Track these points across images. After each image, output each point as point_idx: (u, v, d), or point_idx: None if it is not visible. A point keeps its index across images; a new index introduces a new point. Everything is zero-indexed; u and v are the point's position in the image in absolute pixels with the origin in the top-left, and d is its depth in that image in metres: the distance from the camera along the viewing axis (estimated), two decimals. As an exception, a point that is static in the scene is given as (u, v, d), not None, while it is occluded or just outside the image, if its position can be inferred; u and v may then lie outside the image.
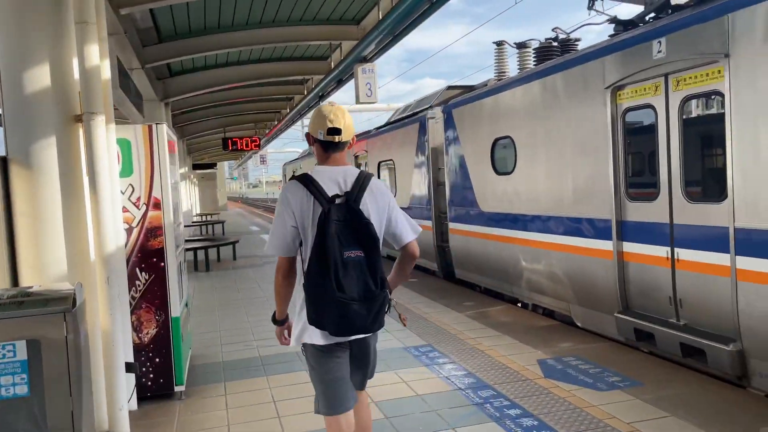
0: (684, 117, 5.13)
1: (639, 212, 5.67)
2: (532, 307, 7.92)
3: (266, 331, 7.09)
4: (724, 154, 4.62)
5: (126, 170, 4.77)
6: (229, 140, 22.50)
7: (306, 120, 26.97)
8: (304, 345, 2.92)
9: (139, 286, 4.84)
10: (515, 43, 9.18)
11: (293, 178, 3.00)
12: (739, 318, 4.56)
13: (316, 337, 2.83)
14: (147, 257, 4.85)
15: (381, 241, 2.89)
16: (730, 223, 4.59)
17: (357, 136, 16.45)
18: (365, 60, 9.88)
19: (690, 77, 5.00)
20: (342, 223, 2.72)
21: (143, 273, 4.85)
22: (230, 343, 6.85)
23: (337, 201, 2.80)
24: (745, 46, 4.36)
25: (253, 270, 12.97)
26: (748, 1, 4.34)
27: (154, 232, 4.86)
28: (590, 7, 7.04)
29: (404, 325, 3.31)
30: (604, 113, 5.92)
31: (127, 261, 4.65)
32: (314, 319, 2.76)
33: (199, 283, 11.41)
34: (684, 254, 5.15)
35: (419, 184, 11.37)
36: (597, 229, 6.16)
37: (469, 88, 10.33)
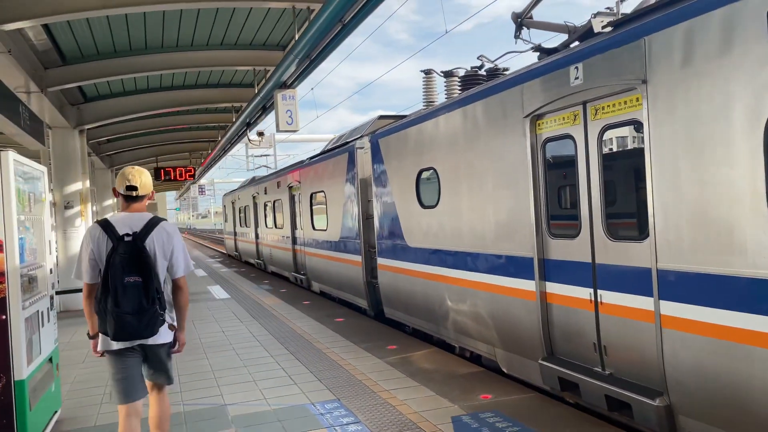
0: (603, 148, 4.75)
1: (561, 250, 5.23)
2: (460, 350, 7.38)
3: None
4: (645, 188, 4.23)
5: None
6: (161, 170, 21.59)
7: (241, 146, 26.23)
8: (104, 352, 3.74)
9: (-27, 344, 4.01)
10: (442, 72, 8.84)
11: (96, 221, 3.82)
12: (665, 369, 4.12)
13: (108, 344, 3.69)
14: (-16, 309, 4.04)
15: (164, 271, 3.80)
16: (652, 264, 4.17)
17: (292, 165, 16.00)
18: (285, 86, 9.35)
19: (608, 105, 4.63)
20: (127, 255, 3.58)
21: (-22, 328, 4.03)
22: (110, 402, 5.96)
23: (126, 239, 3.64)
24: (663, 72, 4.01)
25: None
26: (666, 23, 4.00)
27: (-6, 279, 4.06)
28: (517, 37, 6.74)
29: (176, 352, 4.00)
30: (523, 144, 5.51)
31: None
32: (102, 329, 3.63)
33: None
34: (607, 296, 4.71)
35: (349, 217, 10.82)
36: (519, 267, 5.70)
37: (400, 118, 9.92)
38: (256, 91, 10.85)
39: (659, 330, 4.13)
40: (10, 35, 7.77)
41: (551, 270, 5.36)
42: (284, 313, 10.77)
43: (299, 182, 14.18)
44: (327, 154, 12.35)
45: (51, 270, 5.30)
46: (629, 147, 4.66)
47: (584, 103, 4.86)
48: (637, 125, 4.36)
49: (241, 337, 8.82)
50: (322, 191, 12.34)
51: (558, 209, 5.38)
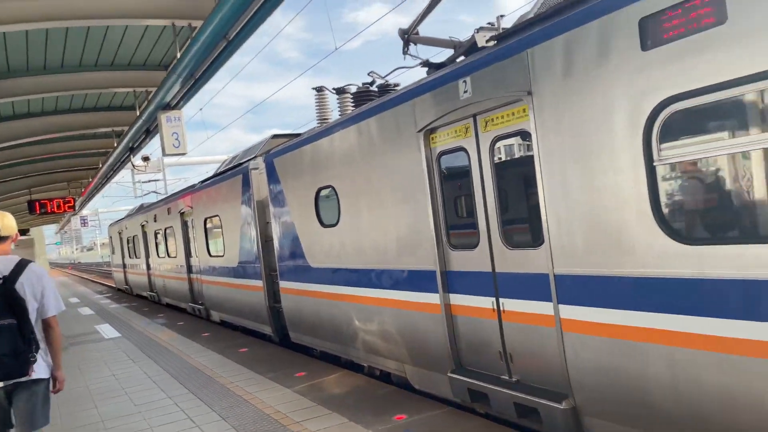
0: (496, 159, 4.85)
1: (463, 261, 5.27)
2: (369, 369, 7.25)
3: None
4: (537, 197, 4.33)
5: None
6: (36, 203, 19.83)
7: (126, 172, 24.73)
8: None
9: None
10: (334, 89, 8.77)
11: None
12: (568, 372, 4.21)
13: None
14: None
15: (35, 312, 3.88)
16: (549, 270, 4.27)
17: (183, 190, 15.24)
18: (170, 107, 8.86)
19: (497, 117, 4.74)
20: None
21: None
22: None
23: None
24: (547, 83, 4.14)
25: None
26: (547, 35, 4.14)
27: None
28: (405, 52, 6.79)
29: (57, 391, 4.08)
30: (419, 158, 5.53)
31: None
32: None
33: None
34: (509, 304, 4.78)
35: (247, 240, 10.41)
36: (423, 281, 5.68)
37: (294, 136, 9.71)
38: (138, 114, 10.23)
39: (560, 334, 4.23)
40: None
41: (454, 282, 5.38)
42: (182, 348, 10.16)
43: (191, 207, 13.51)
44: (220, 176, 11.86)
45: None
46: (521, 157, 4.78)
47: (474, 116, 4.93)
48: (526, 135, 4.48)
49: (135, 379, 8.19)
50: (217, 215, 11.82)
51: (457, 221, 5.42)
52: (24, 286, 3.85)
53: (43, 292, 3.95)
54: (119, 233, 23.96)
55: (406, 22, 6.63)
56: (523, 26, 4.55)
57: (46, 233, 53.98)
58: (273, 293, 9.74)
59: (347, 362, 7.68)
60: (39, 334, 3.92)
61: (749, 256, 3.08)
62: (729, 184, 3.31)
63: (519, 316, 4.69)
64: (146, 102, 10.33)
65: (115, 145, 13.63)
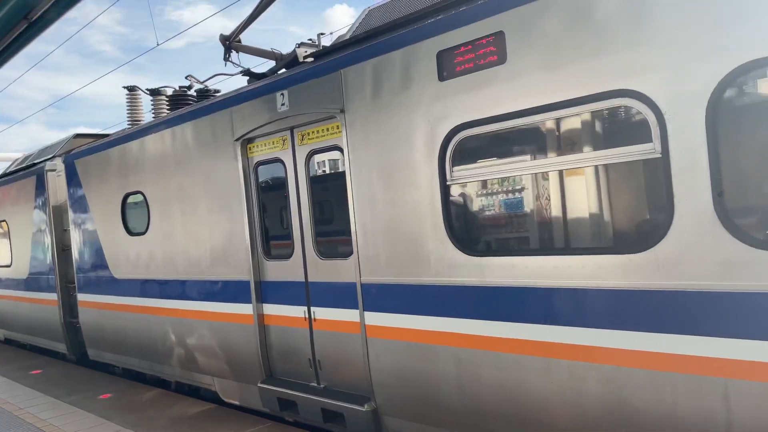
0: (311, 172, 4.99)
1: (277, 271, 5.31)
2: (176, 385, 6.92)
3: None
4: (347, 210, 4.55)
5: None
6: None
7: None
8: None
9: None
10: (148, 90, 8.32)
11: None
12: (371, 375, 4.45)
13: None
14: None
15: None
16: (357, 279, 4.50)
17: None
18: None
19: (314, 131, 4.89)
20: None
21: None
22: None
23: None
24: (358, 102, 4.38)
25: None
26: (359, 58, 4.39)
27: None
28: (226, 59, 6.68)
29: None
30: (235, 167, 5.47)
31: None
32: None
33: None
34: (320, 312, 4.93)
35: (40, 249, 9.34)
36: (236, 291, 5.61)
37: (101, 137, 8.98)
38: None
39: (365, 339, 4.47)
40: None
41: (268, 292, 5.40)
42: None
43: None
44: (10, 177, 10.54)
45: None
46: (334, 171, 4.97)
47: (292, 129, 5.04)
48: (339, 151, 4.68)
49: None
50: (4, 221, 10.46)
51: (273, 232, 5.46)
52: None
53: None
54: None
55: (232, 27, 6.51)
56: (339, 46, 4.77)
57: None
58: (69, 307, 8.85)
59: (155, 381, 7.25)
60: None
61: (520, 266, 3.56)
62: (507, 204, 3.79)
63: (329, 324, 4.86)
64: None
65: None
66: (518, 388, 3.61)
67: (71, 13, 6.71)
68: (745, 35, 2.67)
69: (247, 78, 6.30)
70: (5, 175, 11.07)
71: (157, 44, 11.32)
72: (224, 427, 5.44)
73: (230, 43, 6.44)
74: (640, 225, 3.24)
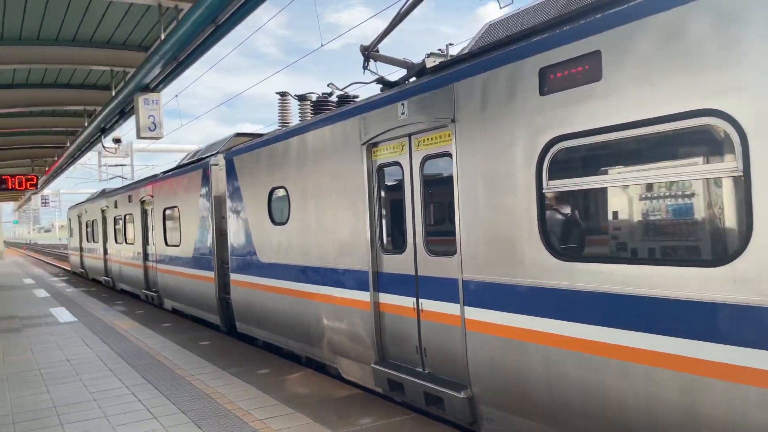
0: (424, 176, 5.46)
1: (392, 264, 5.86)
2: (307, 360, 7.77)
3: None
4: (454, 212, 4.95)
5: None
6: (-4, 177, 19.71)
7: (93, 154, 24.44)
8: None
9: None
10: (296, 95, 9.30)
11: None
12: (468, 365, 4.83)
13: None
14: None
15: None
16: (459, 276, 4.89)
17: (145, 179, 15.53)
18: (148, 89, 8.98)
19: (428, 138, 5.35)
20: None
21: None
22: None
23: None
24: (467, 113, 4.76)
25: (4, 336, 10.57)
26: (469, 73, 4.77)
27: None
28: (364, 68, 7.35)
29: None
30: (361, 169, 6.10)
31: None
32: None
33: None
34: (426, 304, 5.38)
35: (203, 233, 10.83)
36: (357, 280, 6.25)
37: (256, 136, 10.18)
38: (114, 94, 10.20)
39: (464, 332, 4.85)
40: None
41: (383, 282, 5.96)
42: (141, 337, 10.05)
43: (152, 196, 13.83)
44: (182, 169, 12.23)
45: None
46: (444, 176, 5.39)
47: (410, 136, 5.54)
48: (449, 157, 5.10)
49: (91, 366, 8.02)
50: (176, 206, 12.19)
51: (390, 228, 6.01)
52: None
53: None
54: (78, 216, 23.92)
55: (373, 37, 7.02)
56: (453, 62, 5.18)
57: (4, 210, 52.74)
58: (224, 285, 10.17)
59: (316, 363, 7.96)
60: None
61: (606, 273, 3.74)
62: (596, 213, 3.97)
63: (434, 315, 5.30)
64: (123, 82, 10.15)
65: (86, 124, 13.43)
66: (598, 388, 3.79)
67: (244, 20, 7.30)
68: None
69: (380, 86, 6.91)
70: (180, 167, 12.86)
71: (321, 45, 12.41)
72: (368, 414, 5.61)
73: (369, 53, 7.08)
74: (720, 240, 3.29)
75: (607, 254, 3.85)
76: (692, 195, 3.39)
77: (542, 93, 4.12)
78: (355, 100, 8.22)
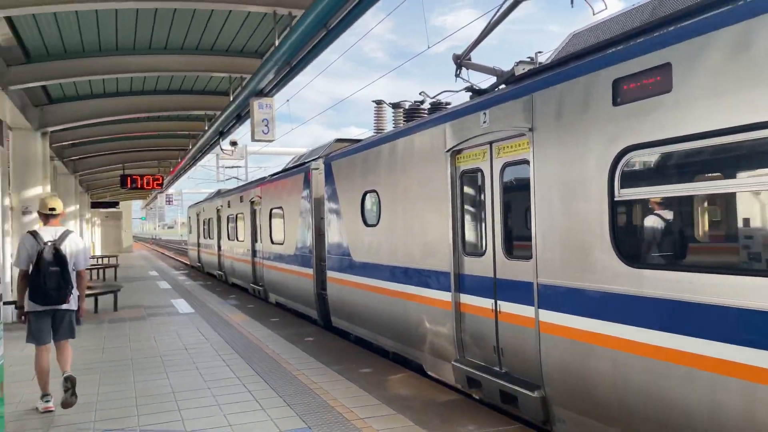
0: (504, 182, 5.67)
1: (472, 266, 6.11)
2: (394, 356, 8.17)
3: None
4: (530, 217, 5.13)
5: None
6: (128, 177, 21.59)
7: (211, 156, 25.99)
8: (27, 312, 5.96)
9: None
10: (391, 103, 9.75)
11: (28, 232, 6.18)
12: (542, 366, 4.99)
13: (34, 307, 5.91)
14: None
15: (71, 264, 6.03)
16: (534, 279, 5.06)
17: (255, 181, 16.68)
18: (262, 94, 9.47)
19: (508, 146, 5.56)
20: (50, 253, 5.86)
21: None
22: (59, 425, 5.60)
23: (49, 243, 5.93)
24: (545, 122, 4.94)
25: (132, 325, 11.41)
26: (547, 84, 4.94)
27: None
28: (457, 75, 7.64)
29: (81, 316, 6.33)
30: (445, 175, 6.40)
31: None
32: (31, 297, 5.85)
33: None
34: (504, 306, 5.59)
35: (304, 233, 11.58)
36: (440, 280, 6.55)
37: (355, 142, 10.76)
38: (231, 98, 10.70)
39: (538, 333, 5.02)
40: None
41: (464, 283, 6.22)
42: (252, 330, 10.47)
43: (260, 197, 14.88)
44: (287, 172, 13.11)
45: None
46: (523, 183, 5.57)
47: (491, 143, 5.77)
48: (527, 164, 5.28)
49: (206, 355, 8.44)
50: (281, 207, 13.08)
51: (471, 231, 6.26)
52: (66, 248, 6.04)
53: (77, 254, 6.18)
54: (197, 215, 26.00)
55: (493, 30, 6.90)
56: (535, 71, 5.36)
57: (133, 207, 57.97)
58: (321, 281, 10.83)
59: (416, 365, 7.97)
60: (73, 280, 6.07)
61: (673, 281, 3.79)
62: (666, 222, 4.02)
63: (510, 317, 5.50)
64: (240, 88, 10.71)
65: (206, 128, 14.24)
66: (662, 394, 3.85)
67: (351, 26, 7.38)
68: None
69: (470, 94, 7.17)
70: (285, 170, 13.78)
71: (428, 47, 12.77)
72: (472, 421, 5.52)
73: (461, 62, 7.36)
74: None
75: (676, 263, 3.89)
76: (762, 205, 3.39)
77: (615, 103, 4.22)
78: (446, 107, 8.52)
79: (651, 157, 4.02)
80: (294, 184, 12.13)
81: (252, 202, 15.79)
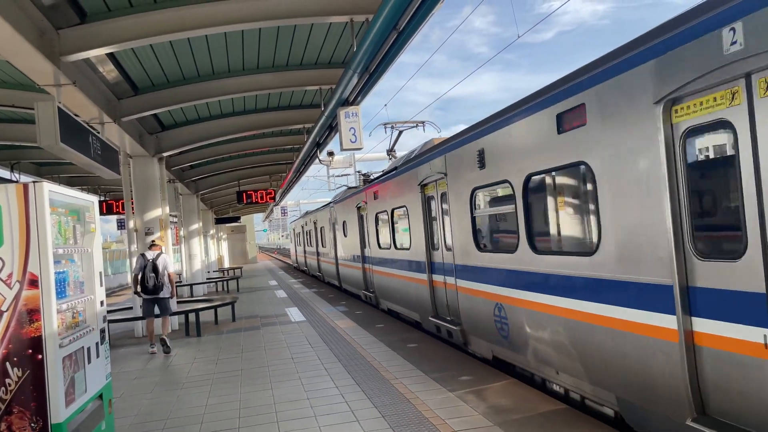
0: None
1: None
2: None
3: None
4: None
5: (-6, 240, 4.02)
6: (243, 193, 22.19)
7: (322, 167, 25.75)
8: (143, 299, 10.71)
9: (9, 385, 3.92)
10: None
11: (141, 253, 11.03)
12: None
13: (143, 296, 10.65)
14: (19, 349, 3.95)
15: (165, 274, 10.62)
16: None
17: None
18: (348, 103, 9.08)
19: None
20: (151, 266, 10.49)
21: (15, 369, 3.93)
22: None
23: (150, 259, 10.57)
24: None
25: (246, 335, 11.65)
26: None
27: (30, 316, 3.97)
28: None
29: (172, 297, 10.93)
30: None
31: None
32: (141, 291, 10.54)
33: (167, 357, 10.02)
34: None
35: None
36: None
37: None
38: (322, 110, 10.67)
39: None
40: (76, 66, 7.89)
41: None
42: (356, 337, 10.37)
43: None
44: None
45: (102, 302, 5.21)
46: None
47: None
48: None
49: (310, 364, 8.50)
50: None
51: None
52: (158, 263, 10.45)
53: (166, 265, 10.60)
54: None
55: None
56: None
57: (255, 220, 60.60)
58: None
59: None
60: (166, 280, 10.48)
61: None
62: None
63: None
64: (329, 99, 10.71)
65: (305, 141, 14.44)
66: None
67: (453, 22, 6.90)
68: None
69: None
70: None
71: (518, 36, 11.21)
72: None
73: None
74: None
75: None
76: None
77: None
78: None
79: None
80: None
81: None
